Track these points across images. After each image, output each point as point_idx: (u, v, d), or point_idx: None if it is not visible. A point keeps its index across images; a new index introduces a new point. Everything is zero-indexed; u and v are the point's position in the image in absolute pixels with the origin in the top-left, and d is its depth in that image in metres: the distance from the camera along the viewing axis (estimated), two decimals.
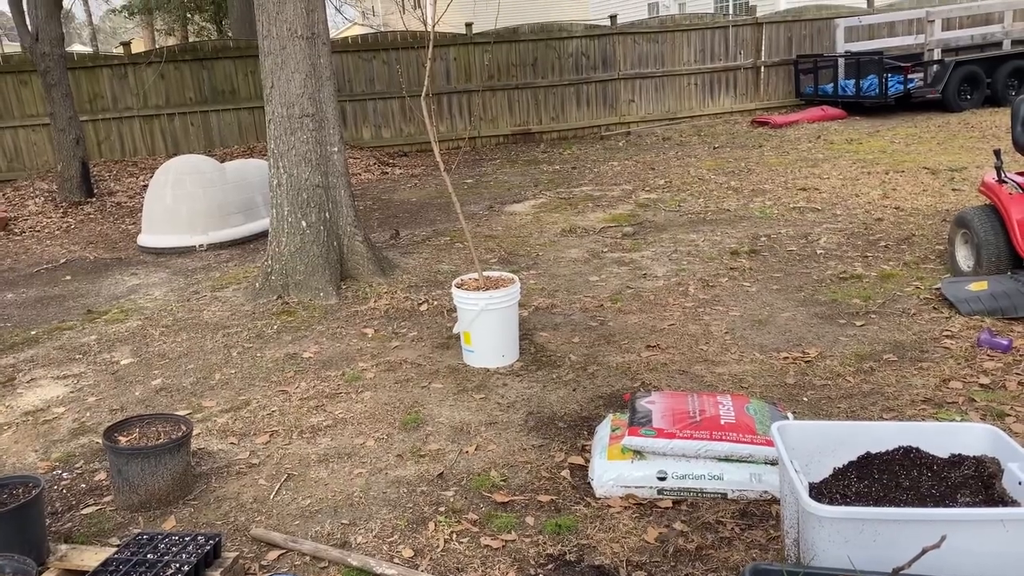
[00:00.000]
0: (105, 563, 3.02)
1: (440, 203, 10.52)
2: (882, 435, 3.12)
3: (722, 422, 3.62)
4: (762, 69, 16.97)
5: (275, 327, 6.19)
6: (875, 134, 13.34)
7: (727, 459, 3.53)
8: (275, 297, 6.75)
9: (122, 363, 5.69)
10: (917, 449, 3.03)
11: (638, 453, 3.61)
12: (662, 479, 3.54)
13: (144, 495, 3.75)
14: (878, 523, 2.59)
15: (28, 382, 5.48)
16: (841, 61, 15.85)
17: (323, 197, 6.83)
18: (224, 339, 6.01)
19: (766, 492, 3.48)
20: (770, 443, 3.46)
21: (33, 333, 6.47)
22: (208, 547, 3.06)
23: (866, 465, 3.04)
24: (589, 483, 3.72)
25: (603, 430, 3.94)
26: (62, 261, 8.85)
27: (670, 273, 6.87)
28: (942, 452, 3.02)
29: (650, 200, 9.77)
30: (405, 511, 3.64)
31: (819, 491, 3.00)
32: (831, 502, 2.89)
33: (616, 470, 3.59)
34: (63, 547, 3.31)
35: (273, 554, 3.39)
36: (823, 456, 3.16)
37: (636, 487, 3.57)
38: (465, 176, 12.50)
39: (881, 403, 4.32)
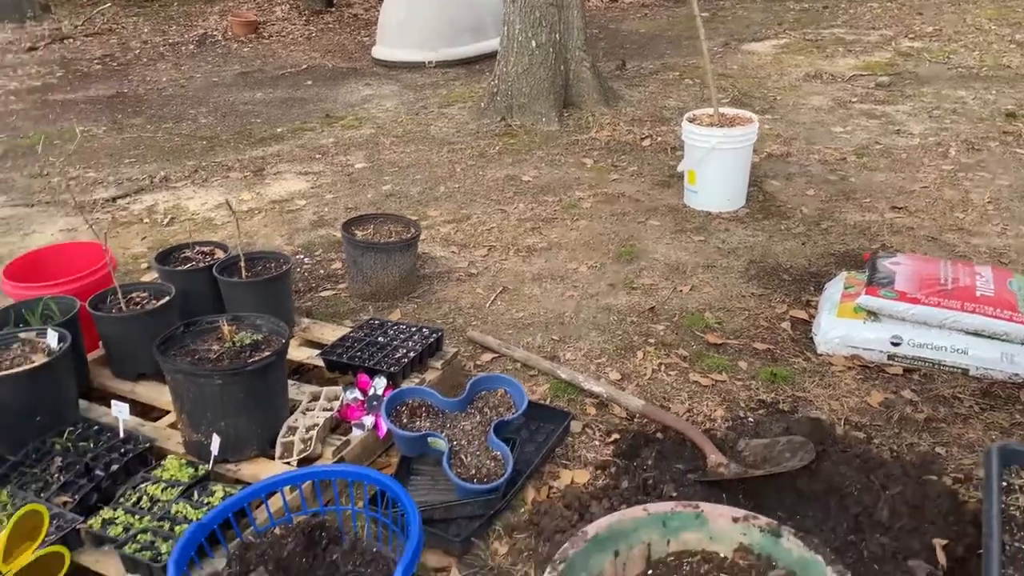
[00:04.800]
0: (342, 339, 3.29)
1: (670, 36, 9.92)
2: None
3: (977, 294, 3.24)
4: None
5: (497, 148, 6.24)
6: None
7: (976, 334, 3.18)
8: (499, 119, 6.77)
9: (356, 167, 6.01)
10: None
11: (873, 314, 3.34)
12: (896, 344, 3.27)
13: (375, 286, 4.01)
14: None
15: (275, 174, 5.94)
16: None
17: (555, 17, 6.59)
18: (449, 154, 6.15)
19: (1016, 375, 3.14)
20: None
21: (279, 131, 6.96)
22: (432, 339, 3.24)
23: None
24: (811, 338, 3.53)
25: (834, 287, 3.68)
26: (303, 67, 9.35)
27: (928, 132, 6.11)
28: None
29: (913, 49, 8.63)
30: (614, 337, 3.65)
31: None
32: None
33: (845, 328, 3.36)
34: (305, 320, 3.64)
35: (487, 356, 3.54)
36: None
37: (864, 349, 3.33)
38: (701, 8, 11.61)
39: None
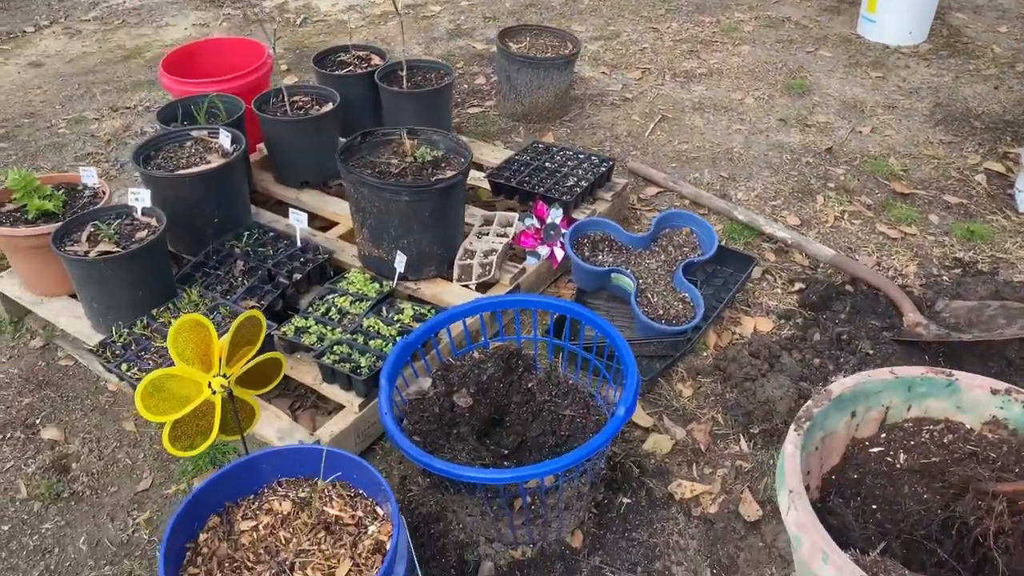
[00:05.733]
0: (507, 161, 3.13)
1: None
2: None
3: None
4: None
5: None
6: None
7: None
8: None
9: None
10: None
11: None
12: None
13: (527, 106, 3.78)
14: None
15: None
16: None
17: None
18: None
19: None
20: None
21: None
22: (603, 169, 3.05)
23: None
24: (1011, 195, 3.22)
25: None
26: None
27: None
28: None
29: None
30: (789, 178, 3.40)
31: None
32: None
33: None
34: (463, 138, 3.47)
35: (651, 190, 3.35)
36: None
37: None
38: None
39: None
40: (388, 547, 1.56)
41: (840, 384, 1.74)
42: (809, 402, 1.71)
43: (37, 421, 2.41)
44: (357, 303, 2.43)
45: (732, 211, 3.10)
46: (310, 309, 2.43)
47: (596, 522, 2.06)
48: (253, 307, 2.44)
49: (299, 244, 2.68)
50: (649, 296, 2.51)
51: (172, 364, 2.19)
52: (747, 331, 2.61)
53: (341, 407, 2.24)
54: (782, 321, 2.65)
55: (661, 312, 2.46)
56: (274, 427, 2.15)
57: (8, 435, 2.37)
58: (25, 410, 2.44)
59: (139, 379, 2.18)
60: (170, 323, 2.37)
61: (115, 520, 2.13)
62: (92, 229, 2.42)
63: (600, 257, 2.64)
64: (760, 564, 1.96)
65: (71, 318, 2.54)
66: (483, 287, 2.61)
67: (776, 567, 1.95)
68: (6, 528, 2.11)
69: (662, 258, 2.64)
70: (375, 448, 2.28)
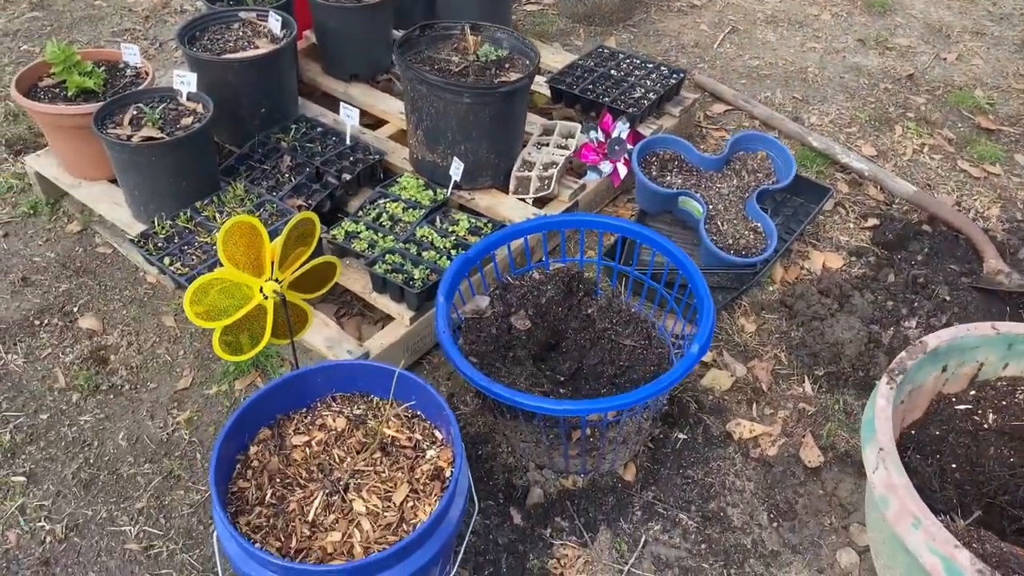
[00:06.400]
0: (571, 66, 2.93)
1: None
2: None
3: None
4: None
5: None
6: None
7: None
8: None
9: None
10: None
11: None
12: None
13: (590, 6, 3.55)
14: None
15: None
16: None
17: None
18: None
19: None
20: None
21: None
22: (673, 81, 2.85)
23: None
24: None
25: None
26: None
27: None
28: None
29: None
30: (866, 104, 3.18)
31: None
32: None
33: None
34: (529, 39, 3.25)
35: (718, 107, 3.15)
36: None
37: None
38: None
39: None
40: (448, 474, 1.49)
41: (936, 336, 1.62)
42: (903, 354, 1.59)
43: (75, 309, 2.34)
44: (410, 210, 2.30)
45: (806, 136, 2.91)
46: (360, 213, 2.31)
47: (650, 456, 1.98)
48: (300, 206, 2.32)
49: (348, 142, 2.54)
50: (718, 223, 2.36)
51: (218, 261, 2.10)
52: (816, 267, 2.48)
53: (389, 318, 2.15)
54: (853, 258, 2.51)
55: (731, 241, 2.31)
56: (322, 335, 2.06)
57: (46, 321, 2.30)
58: (63, 296, 2.37)
59: (182, 274, 2.09)
60: (214, 217, 2.26)
61: (155, 417, 2.07)
62: (135, 112, 2.28)
63: (668, 178, 2.48)
64: (819, 512, 1.88)
65: (111, 204, 2.43)
66: (539, 202, 2.47)
67: (836, 516, 1.87)
68: (44, 417, 2.06)
69: (734, 183, 2.47)
70: (422, 363, 2.20)
